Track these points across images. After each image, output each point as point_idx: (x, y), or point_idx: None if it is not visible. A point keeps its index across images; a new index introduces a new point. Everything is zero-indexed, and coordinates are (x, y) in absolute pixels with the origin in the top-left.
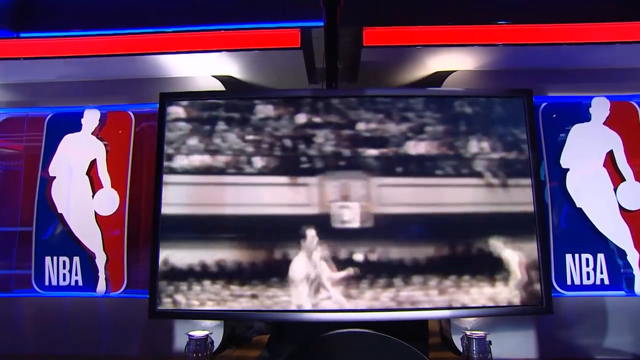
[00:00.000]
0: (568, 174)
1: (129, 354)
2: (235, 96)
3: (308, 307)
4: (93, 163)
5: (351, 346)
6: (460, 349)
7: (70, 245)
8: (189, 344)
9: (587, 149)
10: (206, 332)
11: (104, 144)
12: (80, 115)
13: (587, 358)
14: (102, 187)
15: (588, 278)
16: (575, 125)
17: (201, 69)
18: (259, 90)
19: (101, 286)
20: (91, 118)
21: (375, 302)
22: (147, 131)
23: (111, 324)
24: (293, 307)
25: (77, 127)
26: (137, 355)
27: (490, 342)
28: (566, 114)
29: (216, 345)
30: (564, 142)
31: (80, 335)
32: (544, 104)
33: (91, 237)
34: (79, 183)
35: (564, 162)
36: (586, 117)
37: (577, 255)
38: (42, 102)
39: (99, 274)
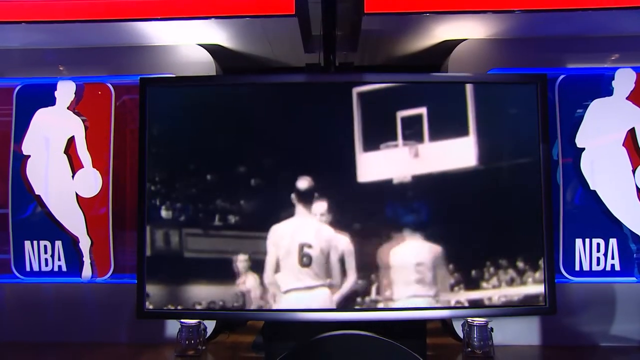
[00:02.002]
0: (583, 153)
1: (117, 341)
2: (226, 82)
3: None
4: (71, 140)
5: (346, 348)
6: (461, 335)
7: (51, 228)
8: (181, 331)
9: (606, 126)
10: None
11: (82, 120)
12: (54, 87)
13: (592, 345)
14: (83, 166)
15: (598, 264)
16: (594, 101)
17: (186, 36)
18: (252, 75)
19: (87, 271)
20: (66, 90)
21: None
22: (129, 105)
23: (98, 310)
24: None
25: (51, 101)
26: (126, 342)
27: (492, 329)
28: (586, 87)
29: (209, 330)
30: (581, 118)
31: (66, 322)
32: (561, 77)
33: (73, 220)
34: (57, 162)
35: (579, 141)
36: (608, 91)
37: (587, 240)
38: (9, 72)
39: (84, 259)
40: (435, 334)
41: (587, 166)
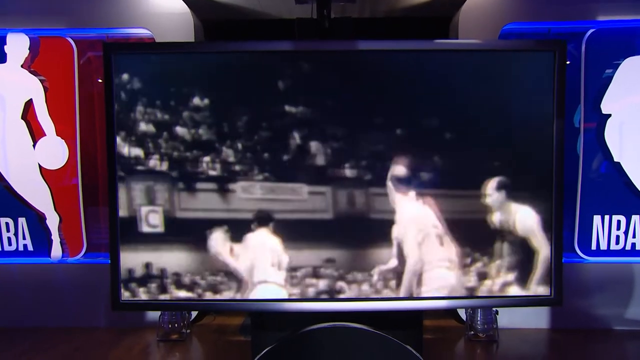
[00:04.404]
0: (609, 120)
1: (94, 325)
2: (210, 49)
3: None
4: (29, 104)
5: (335, 341)
6: (464, 317)
7: (12, 204)
8: (163, 314)
9: (637, 89)
10: None
11: (40, 80)
12: (2, 40)
13: (605, 329)
14: (45, 134)
15: (617, 242)
16: (626, 59)
17: None
18: (239, 42)
19: (56, 251)
20: (18, 45)
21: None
22: (95, 63)
23: (72, 292)
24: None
25: (1, 58)
26: (103, 326)
27: (497, 312)
28: (618, 43)
29: (194, 313)
30: (609, 80)
31: (37, 306)
32: (590, 31)
33: (38, 195)
34: (14, 129)
35: (605, 106)
36: None
37: (607, 217)
38: None
39: (52, 237)
40: (436, 316)
41: (613, 135)
